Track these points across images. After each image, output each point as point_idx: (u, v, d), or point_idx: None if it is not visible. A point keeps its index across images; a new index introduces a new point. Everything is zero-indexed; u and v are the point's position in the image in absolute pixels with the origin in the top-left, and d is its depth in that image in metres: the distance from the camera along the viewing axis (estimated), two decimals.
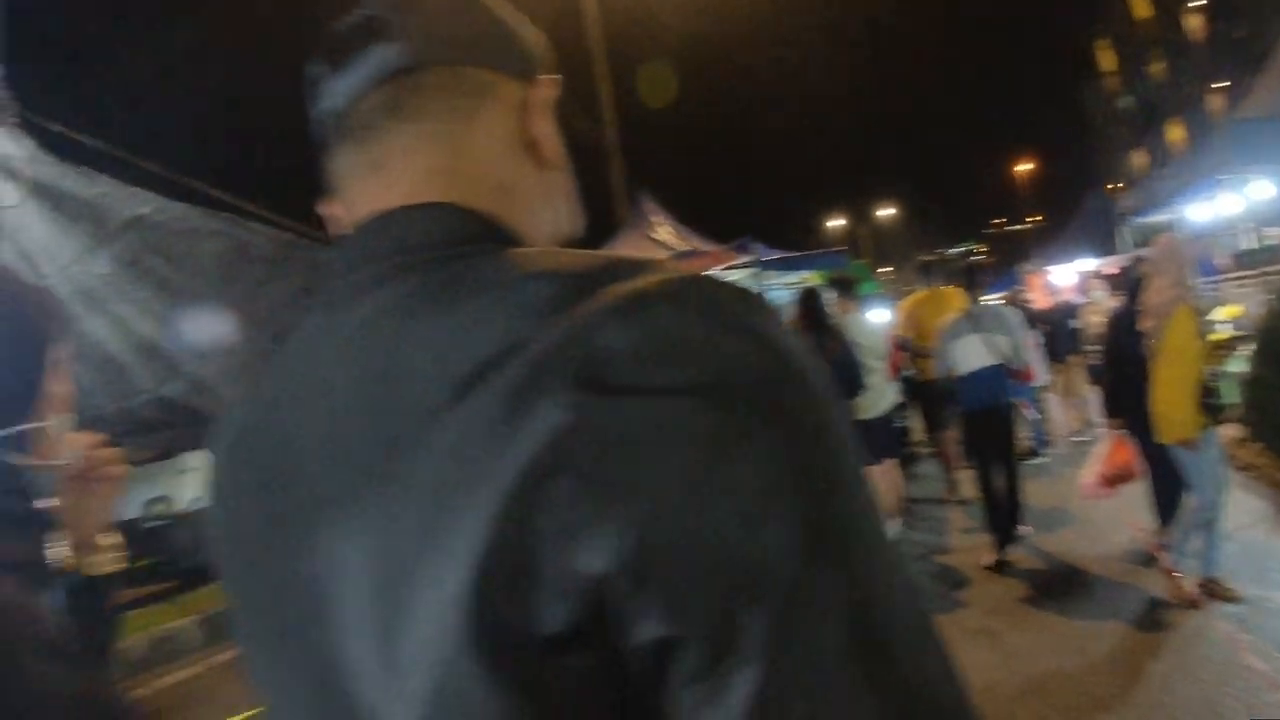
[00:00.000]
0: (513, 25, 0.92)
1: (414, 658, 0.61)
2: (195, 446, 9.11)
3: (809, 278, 12.05)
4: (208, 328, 3.76)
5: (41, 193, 3.07)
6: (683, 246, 12.26)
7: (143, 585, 10.92)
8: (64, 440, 1.24)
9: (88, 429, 4.10)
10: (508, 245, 0.77)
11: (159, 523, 10.84)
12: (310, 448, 0.73)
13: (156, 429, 5.41)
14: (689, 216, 14.06)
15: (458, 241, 0.77)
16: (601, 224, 16.91)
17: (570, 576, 0.56)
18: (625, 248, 13.01)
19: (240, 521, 0.81)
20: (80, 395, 4.84)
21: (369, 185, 0.84)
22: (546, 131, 0.89)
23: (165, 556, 10.77)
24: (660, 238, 13.04)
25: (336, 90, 0.86)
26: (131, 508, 11.02)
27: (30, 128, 2.87)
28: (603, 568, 0.56)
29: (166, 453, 10.41)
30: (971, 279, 7.61)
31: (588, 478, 0.57)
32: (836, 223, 70.21)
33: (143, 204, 3.17)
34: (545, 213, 0.90)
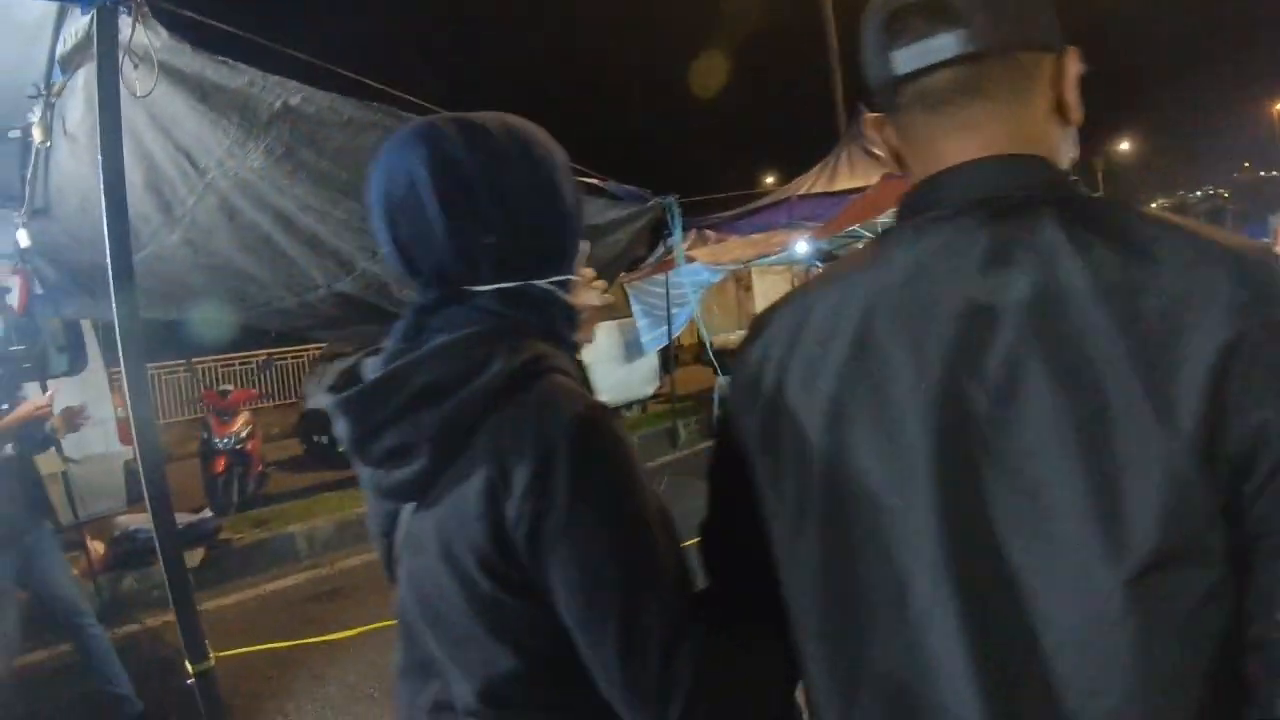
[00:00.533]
0: (1047, 6, 1.07)
1: (1144, 494, 0.86)
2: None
3: None
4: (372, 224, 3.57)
5: (184, 83, 2.89)
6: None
7: (336, 470, 11.28)
8: (586, 283, 1.46)
9: (272, 321, 4.03)
10: (1077, 191, 1.03)
11: None
12: (961, 344, 0.95)
13: (339, 323, 5.36)
14: None
15: (1056, 185, 1.02)
16: (822, 136, 16.26)
17: (1243, 422, 0.86)
18: (843, 161, 12.43)
19: (837, 401, 1.03)
20: (259, 288, 4.80)
21: (952, 141, 1.05)
22: (1073, 97, 1.07)
23: None
24: (879, 152, 12.36)
25: (902, 61, 1.05)
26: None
27: (161, 15, 2.67)
28: (1261, 420, 0.85)
29: (364, 345, 10.58)
30: (1217, 222, 6.82)
31: (1255, 363, 0.86)
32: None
33: (291, 94, 2.95)
34: (1066, 160, 1.10)
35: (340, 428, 1.25)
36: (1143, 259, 0.91)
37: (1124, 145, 68.30)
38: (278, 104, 2.95)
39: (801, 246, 11.50)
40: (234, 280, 4.43)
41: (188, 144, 3.22)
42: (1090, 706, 0.89)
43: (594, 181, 4.21)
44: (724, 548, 1.26)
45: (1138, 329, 0.88)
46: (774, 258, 12.53)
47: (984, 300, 0.95)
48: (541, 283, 1.32)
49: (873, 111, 1.19)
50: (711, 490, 1.27)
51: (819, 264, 12.73)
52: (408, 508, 1.31)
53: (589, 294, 1.45)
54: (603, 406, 1.23)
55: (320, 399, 1.38)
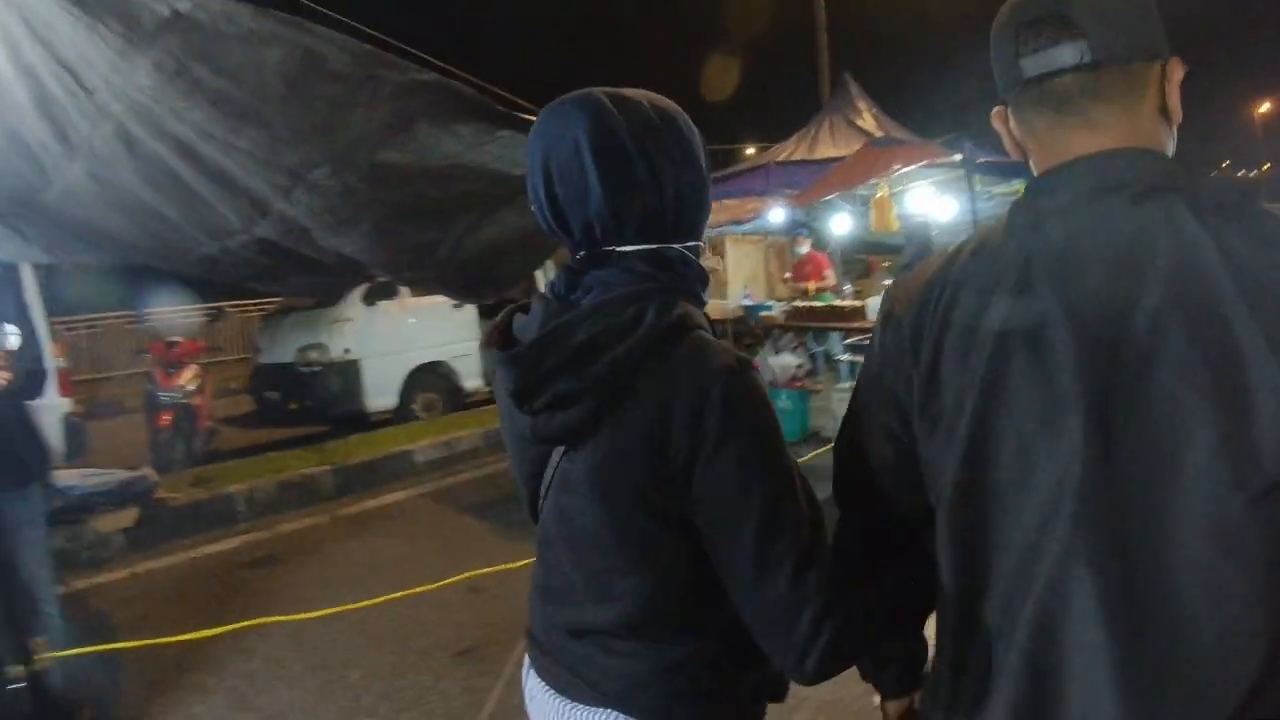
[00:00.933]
0: (1157, 19, 1.24)
1: (1268, 425, 1.01)
2: (328, 295, 8.73)
3: (1019, 189, 10.80)
4: (284, 158, 3.12)
5: None
6: (880, 135, 11.18)
7: (288, 428, 10.89)
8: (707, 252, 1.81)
9: (202, 271, 3.60)
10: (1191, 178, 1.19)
11: (311, 369, 10.65)
12: (1120, 311, 1.10)
13: (272, 274, 4.92)
14: (896, 105, 12.92)
15: (1176, 174, 1.18)
16: (805, 103, 15.88)
17: None
18: (825, 129, 12.08)
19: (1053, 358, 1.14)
20: (177, 233, 4.34)
21: (1076, 136, 1.22)
22: (1176, 101, 1.25)
23: (314, 402, 10.63)
24: (861, 124, 12.04)
25: (1029, 66, 1.23)
26: (286, 352, 10.86)
27: None
28: None
29: (322, 300, 10.15)
30: None
31: None
32: None
33: None
34: (1170, 153, 1.26)
35: (506, 379, 1.38)
36: (1253, 232, 1.09)
37: None
38: (164, 10, 2.51)
39: (776, 213, 11.16)
40: (149, 222, 3.95)
41: (70, 58, 2.77)
42: (1213, 613, 1.04)
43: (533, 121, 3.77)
44: (861, 485, 1.42)
45: (1257, 288, 1.05)
46: (748, 225, 12.16)
47: (1132, 268, 1.11)
48: (679, 246, 1.45)
49: (999, 105, 1.33)
50: (855, 429, 1.43)
51: (805, 232, 12.35)
52: (558, 452, 1.44)
53: (710, 259, 1.73)
54: (746, 359, 1.37)
55: (485, 355, 1.23)
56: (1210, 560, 1.04)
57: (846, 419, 1.46)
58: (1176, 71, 1.24)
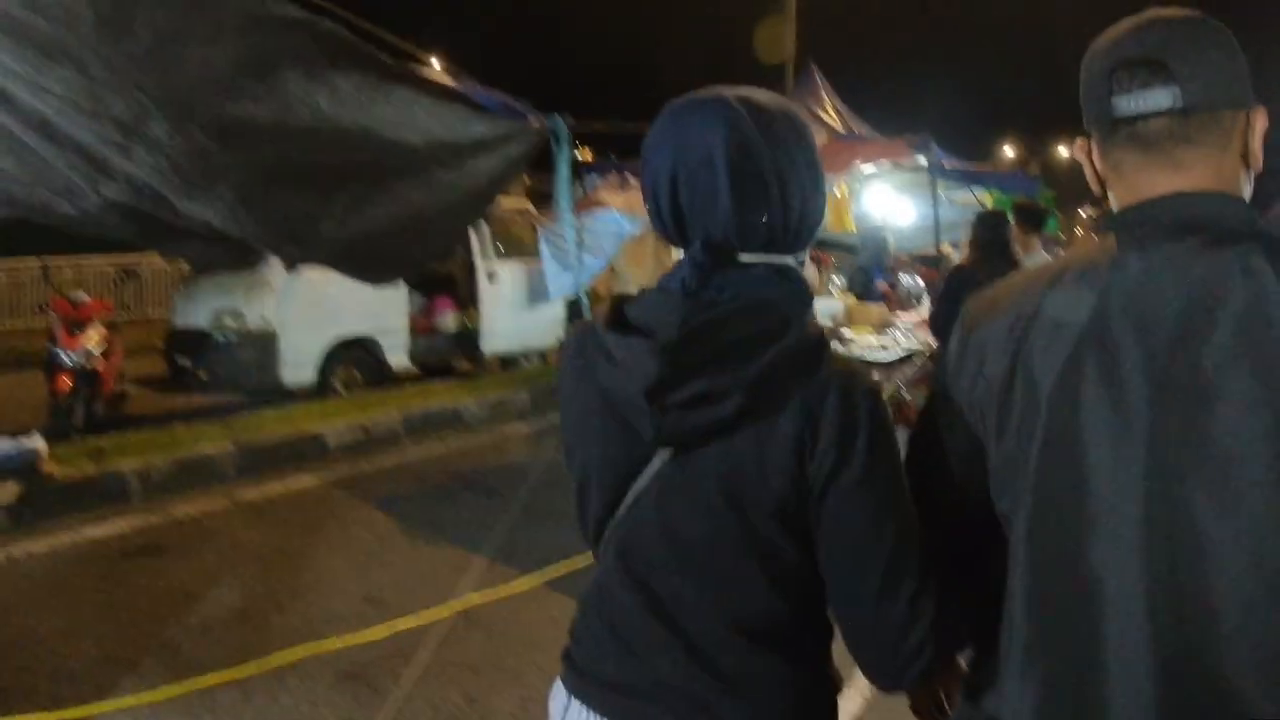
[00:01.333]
0: (1244, 69, 1.26)
1: None
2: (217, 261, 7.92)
3: (984, 197, 10.49)
4: (108, 106, 2.49)
5: None
6: (842, 130, 10.72)
7: (202, 395, 10.16)
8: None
9: (83, 228, 2.98)
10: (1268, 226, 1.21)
11: (226, 336, 9.90)
12: (1197, 349, 1.13)
13: (153, 239, 4.30)
14: (861, 99, 12.49)
15: (1254, 220, 1.21)
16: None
17: None
18: None
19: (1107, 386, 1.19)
20: (25, 189, 3.66)
21: (1161, 176, 1.25)
22: (1258, 147, 1.28)
23: (226, 372, 9.90)
24: (824, 118, 11.59)
25: (1121, 106, 1.25)
26: (202, 316, 10.11)
27: None
28: None
29: (238, 263, 9.40)
30: None
31: None
32: (1010, 150, 65.01)
33: None
34: (1247, 197, 1.29)
35: (647, 371, 1.31)
36: None
37: (1062, 151, 68.36)
38: None
39: None
40: None
41: None
42: (1251, 642, 1.09)
43: (450, 85, 3.17)
44: (933, 500, 1.42)
45: None
46: None
47: (1204, 307, 1.14)
48: (791, 259, 1.44)
49: (1082, 138, 1.36)
50: (926, 441, 1.46)
51: None
52: (661, 456, 1.38)
53: (810, 271, 1.56)
54: (877, 381, 1.44)
55: (620, 344, 1.30)
56: (1255, 594, 1.09)
57: (915, 436, 1.48)
58: (1260, 120, 1.28)
